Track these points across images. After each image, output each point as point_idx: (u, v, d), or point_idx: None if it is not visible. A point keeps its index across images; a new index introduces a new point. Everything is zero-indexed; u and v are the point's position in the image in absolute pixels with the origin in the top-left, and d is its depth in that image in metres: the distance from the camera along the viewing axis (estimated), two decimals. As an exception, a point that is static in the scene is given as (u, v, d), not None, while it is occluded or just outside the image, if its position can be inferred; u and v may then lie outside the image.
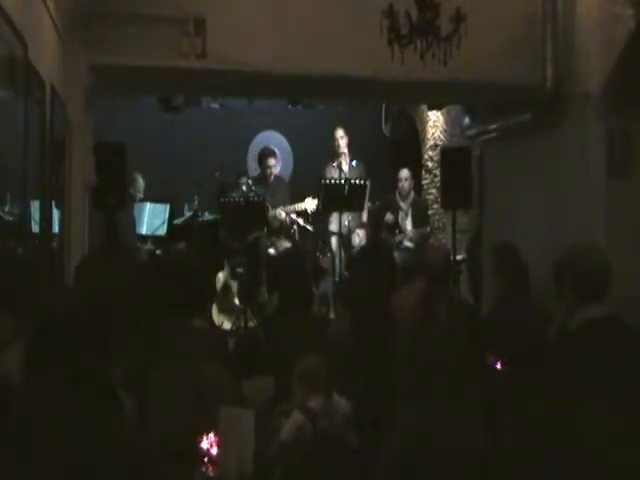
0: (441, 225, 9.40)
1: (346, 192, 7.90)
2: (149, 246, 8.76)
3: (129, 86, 6.68)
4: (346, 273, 7.95)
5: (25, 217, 3.48)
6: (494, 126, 6.88)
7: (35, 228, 3.83)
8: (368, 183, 8.12)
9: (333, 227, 8.60)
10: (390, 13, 4.58)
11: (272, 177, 8.94)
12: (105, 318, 2.23)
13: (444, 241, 8.87)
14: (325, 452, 3.39)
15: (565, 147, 5.97)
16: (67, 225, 4.97)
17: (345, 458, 3.43)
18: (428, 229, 9.18)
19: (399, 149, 10.37)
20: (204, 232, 9.10)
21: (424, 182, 9.94)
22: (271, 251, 8.52)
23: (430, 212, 9.51)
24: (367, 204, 8.53)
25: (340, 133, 8.90)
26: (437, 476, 2.79)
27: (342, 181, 8.07)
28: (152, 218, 9.02)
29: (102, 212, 6.34)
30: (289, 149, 10.75)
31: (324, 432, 3.41)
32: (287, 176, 10.15)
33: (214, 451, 2.62)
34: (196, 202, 9.19)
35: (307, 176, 8.91)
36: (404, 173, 8.97)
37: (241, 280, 8.47)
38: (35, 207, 3.81)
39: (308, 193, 8.58)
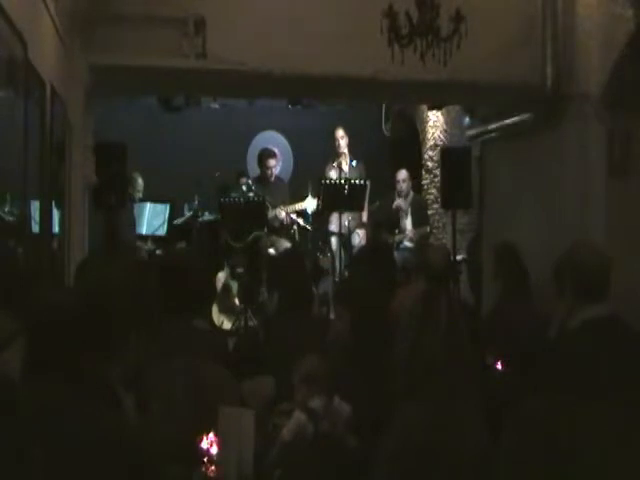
0: (441, 225, 9.40)
1: (346, 192, 7.90)
2: (149, 246, 8.76)
3: (129, 86, 6.69)
4: (346, 273, 7.95)
5: (25, 217, 3.48)
6: (494, 126, 6.88)
7: (35, 228, 3.83)
8: (368, 183, 8.12)
9: (333, 227, 8.61)
10: (390, 13, 4.58)
11: (272, 177, 8.95)
12: (105, 318, 2.23)
13: (444, 241, 8.88)
14: (325, 452, 3.39)
15: (565, 147, 5.97)
16: (67, 225, 4.97)
17: (345, 459, 3.43)
18: (428, 229, 9.18)
19: (399, 149, 10.37)
20: (204, 232, 9.10)
21: (424, 182, 9.94)
22: (271, 251, 8.52)
23: (430, 212, 9.52)
24: (367, 204, 8.54)
25: (340, 133, 8.90)
26: (437, 476, 2.79)
27: (342, 181, 8.07)
28: (152, 218, 9.02)
29: (102, 212, 6.35)
30: (289, 149, 10.75)
31: (325, 432, 3.41)
32: (287, 176, 10.15)
33: (214, 451, 2.62)
34: (196, 202, 9.19)
35: (307, 176, 8.91)
36: (402, 174, 8.97)
37: (241, 280, 8.47)
38: (35, 207, 3.81)
39: (308, 193, 8.58)
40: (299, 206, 8.69)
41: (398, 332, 4.44)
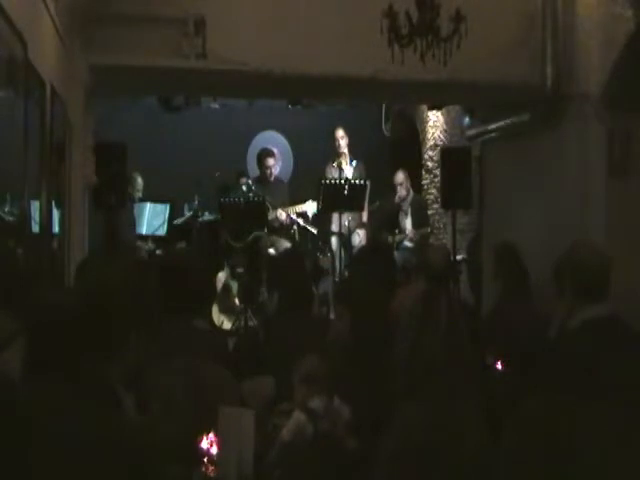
0: (441, 225, 9.40)
1: (346, 192, 7.90)
2: (149, 246, 8.76)
3: (129, 86, 6.69)
4: (346, 273, 7.95)
5: (25, 217, 3.47)
6: (494, 126, 6.87)
7: (35, 228, 3.82)
8: (368, 183, 8.13)
9: (333, 227, 8.61)
10: (390, 13, 4.58)
11: (272, 177, 8.96)
12: (105, 318, 2.23)
13: (444, 241, 8.88)
14: (325, 453, 3.39)
15: (565, 147, 5.96)
16: (67, 225, 4.97)
17: (345, 459, 3.43)
18: (428, 229, 9.18)
19: (399, 149, 10.38)
20: (204, 232, 9.10)
21: (424, 182, 9.94)
22: (271, 251, 8.52)
23: (430, 212, 9.52)
24: (367, 204, 8.54)
25: (340, 133, 8.91)
26: (437, 476, 2.79)
27: (342, 181, 8.08)
28: (152, 218, 9.02)
29: (102, 212, 6.35)
30: (289, 149, 10.75)
31: (325, 433, 3.41)
32: (287, 176, 10.16)
33: (214, 451, 2.62)
34: (196, 202, 9.19)
35: (307, 176, 8.92)
36: (399, 178, 8.98)
37: (241, 280, 8.47)
38: (35, 207, 3.81)
39: (308, 193, 8.58)
40: (299, 208, 8.70)
41: (398, 332, 4.45)
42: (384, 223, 9.06)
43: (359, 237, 8.80)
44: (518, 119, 6.43)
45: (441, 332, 4.00)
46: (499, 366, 4.00)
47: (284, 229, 8.78)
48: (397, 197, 9.00)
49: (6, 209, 3.14)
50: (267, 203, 8.33)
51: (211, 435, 2.63)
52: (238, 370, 3.52)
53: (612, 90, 5.43)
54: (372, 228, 9.02)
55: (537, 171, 6.35)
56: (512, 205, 6.72)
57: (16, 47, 3.14)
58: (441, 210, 8.76)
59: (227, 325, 8.35)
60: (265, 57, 5.55)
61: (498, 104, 6.72)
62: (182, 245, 8.92)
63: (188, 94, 8.95)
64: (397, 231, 8.92)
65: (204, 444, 2.62)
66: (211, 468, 2.61)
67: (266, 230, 8.46)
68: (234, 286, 8.62)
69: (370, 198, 8.49)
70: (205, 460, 2.61)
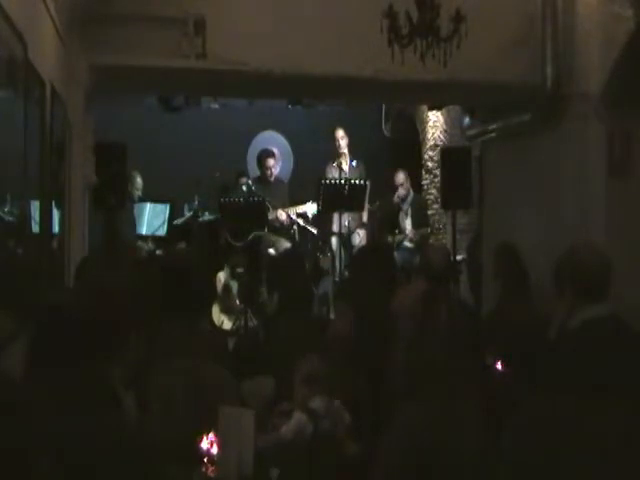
0: (441, 225, 9.40)
1: (346, 192, 7.91)
2: (149, 246, 8.77)
3: (129, 86, 6.68)
4: (346, 273, 7.96)
5: (25, 217, 3.47)
6: (494, 126, 6.87)
7: (35, 228, 3.82)
8: (368, 183, 8.13)
9: (333, 227, 8.62)
10: (390, 13, 4.58)
11: (272, 177, 8.96)
12: (105, 318, 2.23)
13: (444, 241, 8.88)
14: (324, 453, 3.40)
15: (565, 147, 5.96)
16: (67, 225, 4.97)
17: (344, 459, 3.43)
18: (428, 229, 9.19)
19: (399, 149, 10.38)
20: (204, 232, 9.10)
21: (424, 182, 9.94)
22: (271, 251, 8.52)
23: (430, 212, 9.52)
24: (367, 204, 8.54)
25: (340, 133, 8.92)
26: (437, 476, 2.79)
27: (342, 181, 8.08)
28: (152, 218, 9.03)
29: (102, 212, 6.35)
30: (289, 149, 10.75)
31: (324, 433, 3.41)
32: (287, 176, 10.16)
33: (214, 451, 2.62)
34: (196, 202, 9.19)
35: (307, 176, 8.92)
36: (399, 178, 9.00)
37: (241, 280, 8.47)
38: (35, 207, 3.81)
39: (308, 193, 8.59)
40: (300, 209, 8.70)
41: (398, 332, 4.45)
42: (384, 223, 9.07)
43: (359, 237, 8.81)
44: (518, 119, 6.43)
45: (441, 332, 4.01)
46: (499, 366, 4.00)
47: (284, 229, 8.79)
48: (396, 197, 9.01)
49: (6, 209, 3.14)
50: (267, 203, 8.33)
51: (211, 435, 2.63)
52: (238, 370, 3.52)
53: (612, 90, 5.43)
54: (374, 228, 9.03)
55: (537, 171, 6.35)
56: (512, 205, 6.72)
57: (16, 47, 3.14)
58: (441, 210, 8.76)
59: (227, 325, 8.36)
60: (265, 57, 5.55)
61: (498, 104, 6.71)
62: (182, 245, 8.93)
63: (188, 94, 8.94)
64: (397, 231, 8.93)
65: (204, 444, 2.62)
66: (211, 468, 2.61)
67: (266, 230, 8.46)
68: (234, 286, 8.62)
69: (370, 198, 8.49)
70: (205, 460, 2.61)
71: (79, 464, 2.00)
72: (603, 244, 5.03)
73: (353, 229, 8.63)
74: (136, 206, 8.80)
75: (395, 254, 7.32)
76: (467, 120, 7.50)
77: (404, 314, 4.53)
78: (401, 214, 9.02)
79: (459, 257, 7.89)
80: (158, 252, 8.62)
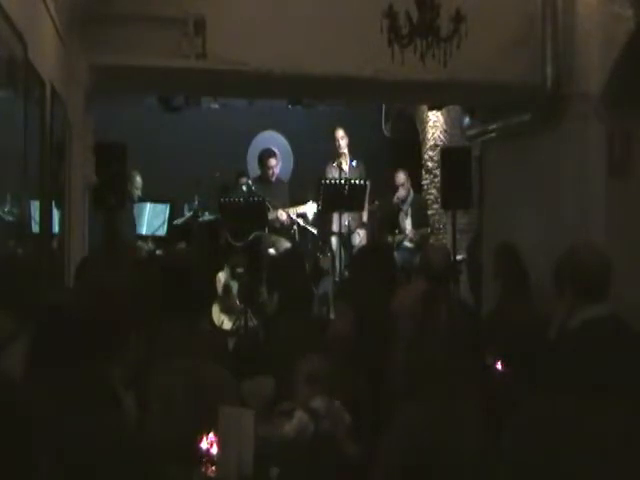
0: (441, 225, 9.40)
1: (346, 192, 7.91)
2: (149, 246, 8.76)
3: (129, 86, 6.69)
4: (346, 273, 7.96)
5: (25, 217, 3.48)
6: (494, 126, 6.87)
7: (35, 228, 3.83)
8: (368, 183, 8.14)
9: (333, 227, 8.62)
10: (390, 13, 4.58)
11: (273, 177, 8.97)
12: (105, 318, 2.23)
13: (444, 241, 8.88)
14: (325, 454, 3.39)
15: (565, 147, 5.96)
16: (67, 225, 4.97)
17: (344, 459, 3.43)
18: (428, 229, 9.19)
19: (399, 149, 10.38)
20: (204, 232, 9.10)
21: (424, 182, 9.95)
22: (271, 251, 8.52)
23: (430, 212, 9.52)
24: (367, 204, 8.54)
25: (340, 133, 8.92)
26: (437, 476, 2.79)
27: (342, 181, 8.08)
28: (152, 218, 9.03)
29: (102, 212, 6.35)
30: (289, 149, 10.75)
31: (325, 433, 3.41)
32: (287, 176, 10.16)
33: (214, 451, 2.62)
34: (196, 202, 9.19)
35: (307, 176, 8.92)
36: (400, 179, 9.00)
37: (241, 280, 8.47)
38: (35, 207, 3.81)
39: (308, 193, 8.59)
40: (300, 209, 8.71)
41: (398, 332, 4.45)
42: (384, 223, 9.07)
43: (359, 237, 8.81)
44: (518, 119, 6.43)
45: (441, 332, 4.01)
46: (499, 366, 4.00)
47: (284, 229, 8.79)
48: (396, 197, 9.01)
49: (6, 209, 3.14)
50: (267, 203, 8.33)
51: (211, 435, 2.63)
52: (238, 370, 3.52)
53: (612, 90, 5.43)
54: (374, 228, 9.02)
55: (537, 171, 6.35)
56: (512, 205, 6.72)
57: (16, 47, 3.14)
58: (441, 210, 8.76)
59: (227, 325, 8.36)
60: (265, 57, 5.55)
61: (498, 104, 6.71)
62: (182, 245, 8.93)
63: (188, 94, 8.94)
64: (397, 231, 8.93)
65: (204, 444, 2.62)
66: (211, 468, 2.61)
67: (266, 230, 8.46)
68: (234, 286, 8.62)
69: (370, 198, 8.49)
70: (205, 460, 2.61)
71: (79, 464, 2.00)
72: (603, 244, 5.03)
73: (353, 229, 8.63)
74: (136, 206, 8.80)
75: (395, 254, 7.32)
76: (467, 120, 7.50)
77: (404, 314, 4.52)
78: (401, 214, 9.02)
79: (459, 257, 7.89)
80: (158, 252, 8.61)
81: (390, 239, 8.78)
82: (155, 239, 8.92)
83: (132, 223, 8.60)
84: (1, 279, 2.98)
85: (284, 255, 6.60)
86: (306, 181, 8.81)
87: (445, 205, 7.51)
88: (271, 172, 8.91)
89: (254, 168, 9.70)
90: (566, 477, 2.41)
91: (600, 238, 5.35)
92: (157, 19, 5.43)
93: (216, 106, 10.37)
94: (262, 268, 8.27)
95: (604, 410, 2.48)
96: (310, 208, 8.60)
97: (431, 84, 5.84)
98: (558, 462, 2.40)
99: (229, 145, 10.21)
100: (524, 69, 5.91)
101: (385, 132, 10.83)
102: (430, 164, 9.79)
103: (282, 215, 8.69)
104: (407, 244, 8.81)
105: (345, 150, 8.90)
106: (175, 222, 9.26)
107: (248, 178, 9.19)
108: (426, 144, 9.91)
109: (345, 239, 8.44)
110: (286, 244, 8.60)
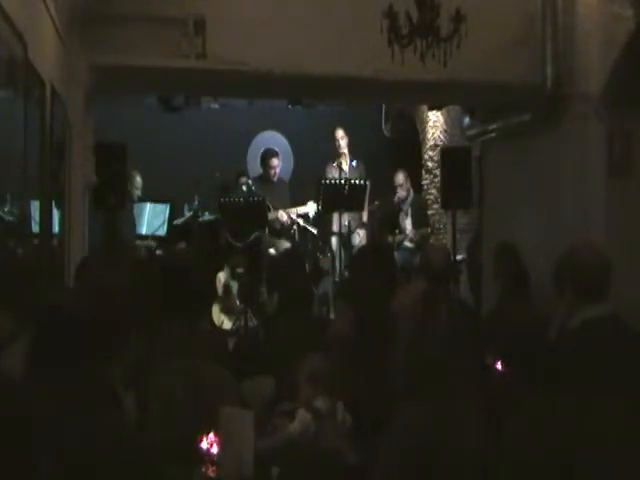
0: (441, 225, 9.40)
1: (346, 192, 7.91)
2: (149, 246, 8.76)
3: (129, 86, 6.69)
4: (346, 273, 7.96)
5: (25, 217, 3.48)
6: (494, 126, 6.87)
7: (35, 228, 3.83)
8: (368, 183, 8.14)
9: (333, 227, 8.62)
10: (390, 13, 4.58)
11: (275, 177, 8.97)
12: (105, 318, 2.22)
13: (444, 241, 8.88)
14: (326, 453, 3.40)
15: (565, 147, 5.97)
16: (67, 225, 4.97)
17: (344, 459, 3.43)
18: (428, 229, 9.19)
19: (399, 149, 10.38)
20: (204, 232, 9.10)
21: (424, 182, 9.95)
22: (271, 251, 8.53)
23: (430, 212, 9.52)
24: (367, 204, 8.54)
25: (340, 133, 8.92)
26: (437, 476, 2.79)
27: (342, 181, 8.08)
28: (152, 218, 9.03)
29: (102, 212, 6.35)
30: (289, 149, 10.75)
31: (326, 433, 3.41)
32: (287, 176, 10.16)
33: (214, 451, 2.62)
34: (196, 202, 9.19)
35: (307, 176, 8.92)
36: (399, 179, 9.00)
37: (241, 280, 8.47)
38: (35, 207, 3.81)
39: (308, 193, 8.59)
40: (301, 209, 8.71)
41: (398, 332, 4.45)
42: (384, 223, 9.07)
43: (359, 237, 8.81)
44: (518, 119, 6.43)
45: (441, 332, 4.00)
46: (499, 366, 4.00)
47: (284, 229, 8.79)
48: (396, 197, 9.01)
49: (6, 209, 3.14)
50: (267, 203, 8.33)
51: (211, 435, 2.63)
52: (238, 370, 3.53)
53: (612, 90, 5.43)
54: (374, 228, 9.02)
55: (537, 171, 6.35)
56: (512, 205, 6.72)
57: (16, 47, 3.14)
58: (441, 210, 8.76)
59: (227, 325, 8.36)
60: (265, 57, 5.55)
61: (498, 104, 6.71)
62: (182, 245, 8.93)
63: (188, 94, 8.95)
64: (397, 231, 8.93)
65: (204, 444, 2.62)
66: (211, 468, 2.61)
67: (267, 230, 8.46)
68: (234, 286, 8.62)
69: (370, 198, 8.49)
70: (205, 460, 2.61)
71: (79, 464, 2.00)
72: (603, 244, 5.03)
73: (353, 229, 8.63)
74: (136, 206, 8.80)
75: (395, 254, 7.32)
76: (467, 120, 7.50)
77: (404, 314, 4.52)
78: (401, 214, 9.02)
79: (459, 257, 7.89)
80: (158, 252, 8.61)
81: (390, 239, 8.77)
82: (155, 239, 8.92)
83: (132, 223, 8.60)
84: (1, 279, 2.98)
85: (284, 255, 6.60)
86: (306, 181, 8.81)
87: (445, 205, 7.51)
88: (273, 172, 8.92)
89: (254, 168, 9.70)
90: (566, 477, 2.40)
91: (600, 238, 5.35)
92: (157, 19, 5.43)
93: (216, 106, 10.37)
94: (262, 268, 8.28)
95: (604, 410, 2.48)
96: (310, 208, 8.60)
97: (431, 84, 5.84)
98: (558, 462, 2.40)
99: (229, 145, 10.21)
100: (524, 69, 5.91)
101: (385, 132, 10.83)
102: (430, 164, 9.79)
103: (282, 216, 8.69)
104: (407, 244, 8.81)
105: (345, 150, 8.90)
106: (175, 222, 9.26)
107: (248, 178, 9.20)
108: (426, 144, 9.91)
109: (345, 239, 8.44)
110: (286, 244, 8.60)
